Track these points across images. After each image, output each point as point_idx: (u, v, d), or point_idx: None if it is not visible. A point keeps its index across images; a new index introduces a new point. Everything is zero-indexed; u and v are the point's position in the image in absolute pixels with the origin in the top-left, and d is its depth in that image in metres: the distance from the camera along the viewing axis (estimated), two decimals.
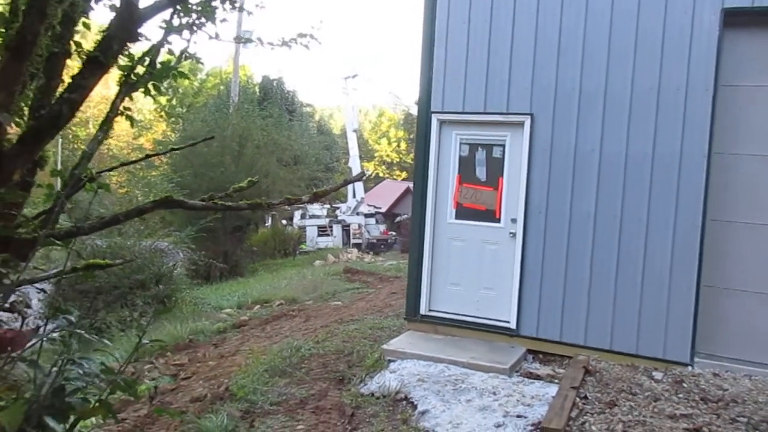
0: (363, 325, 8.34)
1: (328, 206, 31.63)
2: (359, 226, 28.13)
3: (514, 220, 6.25)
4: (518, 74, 6.13)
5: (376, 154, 72.22)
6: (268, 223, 28.52)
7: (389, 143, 75.79)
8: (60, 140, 49.98)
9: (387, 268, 18.30)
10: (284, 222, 28.66)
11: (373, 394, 5.43)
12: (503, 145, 6.31)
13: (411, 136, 72.63)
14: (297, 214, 29.04)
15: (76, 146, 57.85)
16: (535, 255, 6.11)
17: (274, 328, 9.27)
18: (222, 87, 33.19)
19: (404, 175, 68.36)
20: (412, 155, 71.42)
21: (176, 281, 11.52)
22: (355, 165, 28.88)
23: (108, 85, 57.25)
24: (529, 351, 6.15)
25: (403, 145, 75.18)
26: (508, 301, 6.28)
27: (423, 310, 6.61)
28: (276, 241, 25.37)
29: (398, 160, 74.68)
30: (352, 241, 27.65)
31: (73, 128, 58.27)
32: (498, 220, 6.35)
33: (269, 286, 14.61)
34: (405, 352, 5.93)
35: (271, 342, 7.85)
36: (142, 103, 61.36)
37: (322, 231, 28.21)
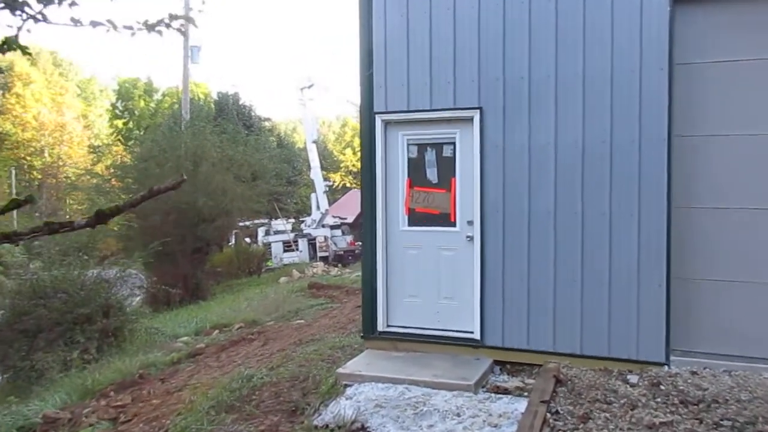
0: (323, 345, 7.82)
1: (292, 221, 31.02)
2: (325, 238, 27.57)
3: (470, 223, 5.83)
4: (463, 67, 5.72)
5: (341, 165, 71.84)
6: (232, 242, 27.77)
7: (354, 153, 75.53)
8: (14, 171, 48.45)
9: (354, 280, 17.77)
10: (248, 240, 27.94)
11: (327, 426, 4.91)
12: (453, 143, 5.89)
13: None
14: (260, 230, 28.36)
15: (31, 176, 56.18)
16: (494, 258, 5.69)
17: (230, 356, 8.68)
18: (177, 105, 32.35)
19: None
20: None
21: (126, 312, 10.80)
22: (317, 177, 28.37)
23: (62, 112, 55.24)
24: (496, 362, 5.71)
25: None
26: (470, 310, 5.84)
27: (381, 326, 6.13)
28: (240, 260, 24.66)
29: None
30: (319, 254, 27.07)
31: (28, 158, 56.69)
32: (453, 224, 5.92)
33: (229, 309, 13.97)
34: (362, 374, 5.43)
35: (223, 372, 7.28)
36: (99, 128, 59.87)
37: (288, 246, 27.58)
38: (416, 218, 6.06)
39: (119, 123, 54.19)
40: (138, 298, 17.12)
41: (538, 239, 5.54)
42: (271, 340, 9.41)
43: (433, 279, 6.01)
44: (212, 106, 37.45)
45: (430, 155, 5.98)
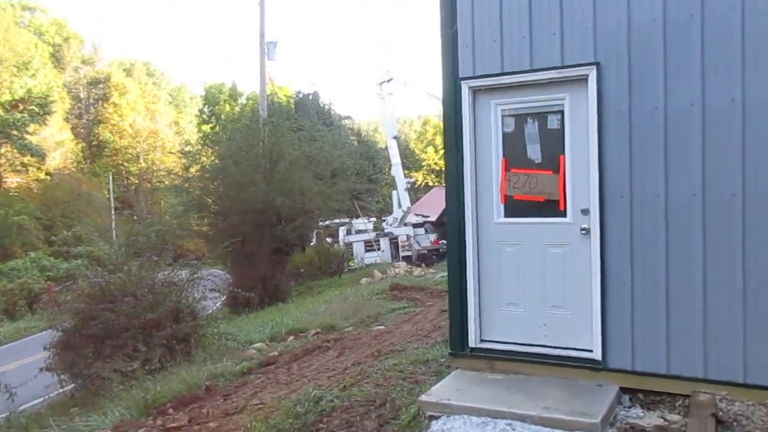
0: (404, 359, 6.77)
1: (374, 219, 30.26)
2: (407, 237, 26.59)
3: (585, 212, 4.57)
4: (573, 12, 4.48)
5: (423, 163, 70.78)
6: (313, 241, 27.33)
7: (436, 151, 74.32)
8: (111, 176, 50.74)
9: (438, 281, 16.64)
10: (329, 240, 27.39)
11: None
12: (561, 112, 4.65)
13: None
14: (341, 230, 27.75)
15: (128, 181, 58.82)
16: (619, 257, 4.41)
17: (302, 367, 7.79)
18: (256, 105, 32.37)
19: None
20: None
21: (197, 316, 10.19)
22: (397, 173, 27.41)
23: (155, 120, 57.35)
24: (624, 390, 4.43)
25: None
26: (587, 322, 4.59)
27: (472, 342, 4.98)
28: (321, 261, 24.10)
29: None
30: (401, 253, 26.13)
31: (125, 164, 59.44)
32: (563, 214, 4.68)
33: (307, 313, 13.22)
34: (451, 404, 4.32)
35: (290, 390, 6.36)
36: (189, 134, 61.94)
37: (369, 246, 26.80)
38: (515, 207, 4.86)
39: (206, 128, 55.72)
40: (218, 302, 16.81)
41: (680, 231, 4.22)
42: (347, 350, 8.46)
43: (538, 283, 4.80)
44: (292, 106, 37.34)
45: (531, 128, 4.77)
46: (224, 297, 17.52)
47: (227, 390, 7.32)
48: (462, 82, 4.89)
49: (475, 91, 4.90)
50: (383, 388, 5.65)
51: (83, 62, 61.28)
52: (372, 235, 26.93)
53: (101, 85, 58.91)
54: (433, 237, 28.45)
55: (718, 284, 4.11)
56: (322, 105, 34.43)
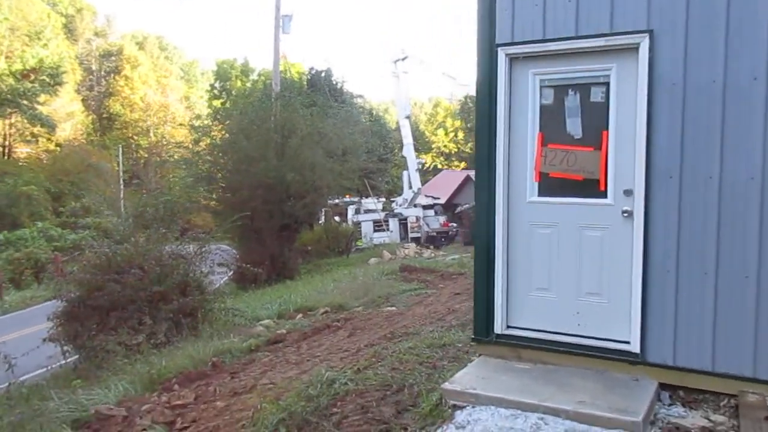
0: (419, 343, 6.49)
1: (383, 199, 29.94)
2: (417, 218, 26.28)
3: (628, 193, 4.23)
4: None
5: (433, 146, 70.25)
6: (321, 220, 27.06)
7: (446, 134, 73.72)
8: (121, 149, 50.54)
9: (448, 263, 16.36)
10: (337, 218, 27.10)
11: None
12: (606, 84, 4.29)
13: (469, 125, 70.47)
14: (350, 209, 27.45)
15: (138, 154, 58.64)
16: (664, 242, 4.08)
17: (311, 347, 7.53)
18: (269, 81, 31.92)
19: (463, 165, 66.18)
20: (470, 145, 69.27)
21: (205, 291, 9.95)
22: (409, 154, 27.02)
23: (166, 94, 56.96)
24: (663, 386, 4.12)
25: (460, 135, 72.96)
26: (625, 312, 4.27)
27: (499, 328, 4.68)
28: (329, 239, 23.85)
29: (456, 150, 72.51)
30: (410, 235, 25.84)
31: (135, 137, 59.25)
32: (603, 194, 4.34)
33: (316, 291, 12.96)
34: (477, 393, 4.02)
35: (301, 370, 6.10)
36: (199, 109, 61.69)
37: (378, 226, 26.51)
38: (550, 186, 4.52)
39: (217, 103, 55.47)
40: (225, 277, 16.58)
41: (734, 217, 3.87)
42: (358, 330, 8.20)
43: (572, 268, 4.47)
44: (305, 83, 36.86)
45: (572, 100, 4.42)
46: (231, 272, 17.32)
47: (234, 367, 7.08)
48: (499, 48, 4.53)
49: (513, 59, 4.54)
50: (399, 372, 5.37)
51: (96, 34, 60.91)
52: (381, 215, 26.62)
53: (113, 58, 58.59)
54: (442, 219, 28.14)
55: None
56: (334, 82, 33.95)
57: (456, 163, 70.61)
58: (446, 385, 4.18)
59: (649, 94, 4.05)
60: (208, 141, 19.58)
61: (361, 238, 26.24)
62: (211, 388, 6.06)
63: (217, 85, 62.68)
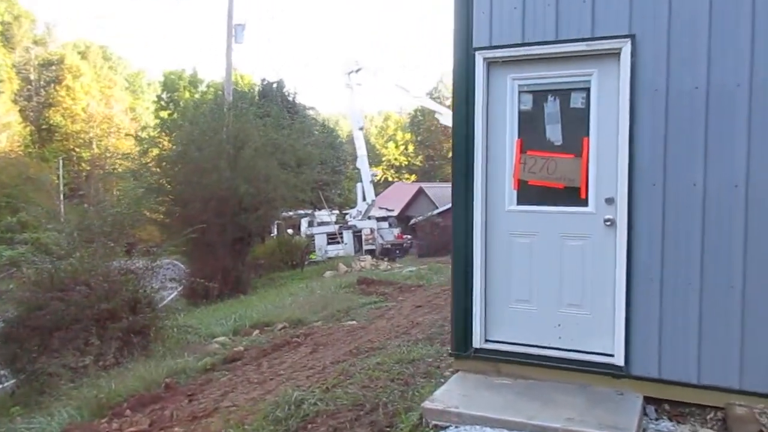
0: (387, 358, 6.26)
1: (336, 212, 29.65)
2: (371, 230, 26.09)
3: (610, 201, 4.13)
4: None
5: (383, 158, 70.44)
6: (274, 233, 26.53)
7: (396, 146, 74.08)
8: (61, 161, 48.48)
9: (406, 275, 16.19)
10: (290, 231, 26.64)
11: None
12: (587, 89, 4.19)
13: (418, 138, 71.05)
14: (304, 221, 27.03)
15: (79, 167, 56.40)
16: (648, 252, 3.98)
17: (273, 365, 7.18)
18: (220, 92, 31.26)
19: (413, 178, 66.57)
20: (420, 158, 69.38)
21: (156, 308, 9.44)
22: (363, 165, 26.83)
23: (111, 105, 55.18)
24: (648, 399, 4.01)
25: (410, 148, 73.46)
26: (607, 323, 4.15)
27: (477, 342, 4.49)
28: (282, 252, 23.37)
29: (407, 163, 72.93)
30: (365, 247, 25.62)
31: (77, 149, 56.99)
32: (584, 203, 4.23)
33: (272, 305, 12.56)
34: (460, 412, 3.81)
35: (265, 391, 5.76)
36: (146, 121, 60.09)
37: (332, 238, 26.18)
38: (529, 194, 4.39)
39: (165, 114, 54.10)
40: (174, 293, 15.93)
41: (718, 226, 3.81)
42: (321, 346, 7.89)
43: (553, 279, 4.33)
44: (256, 95, 36.31)
45: (552, 106, 4.30)
46: (181, 288, 16.67)
47: (191, 389, 6.66)
48: (476, 52, 4.38)
49: (490, 63, 4.40)
50: (370, 390, 5.12)
51: (35, 42, 58.56)
52: (335, 228, 26.31)
53: (53, 67, 56.35)
54: (396, 231, 28.05)
55: (759, 284, 3.72)
56: (286, 94, 33.56)
57: (406, 175, 71.05)
58: (427, 404, 3.96)
59: (631, 100, 3.96)
60: (157, 152, 18.92)
61: (314, 251, 25.84)
62: (167, 412, 5.66)
63: (164, 96, 61.21)
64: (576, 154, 4.23)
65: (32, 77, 56.18)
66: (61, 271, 8.86)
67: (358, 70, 26.15)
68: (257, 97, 32.79)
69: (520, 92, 4.38)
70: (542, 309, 4.38)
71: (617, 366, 4.08)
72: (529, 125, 4.38)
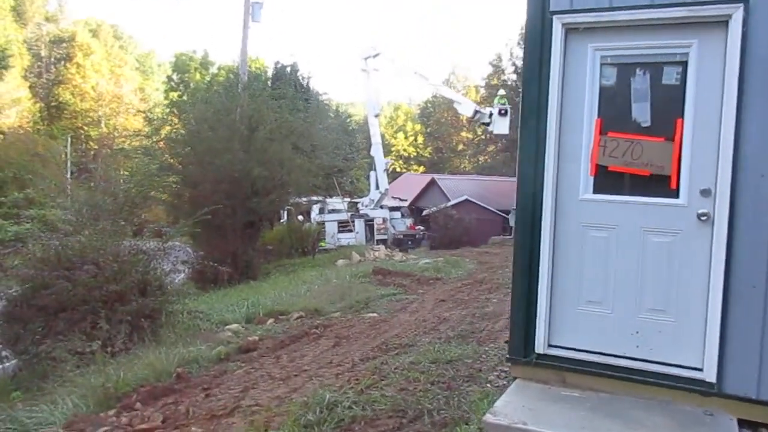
0: (421, 357, 5.77)
1: (347, 199, 29.11)
2: (384, 220, 25.54)
3: (706, 193, 3.58)
4: None
5: (392, 149, 69.82)
6: (284, 218, 26.01)
7: (406, 137, 73.38)
8: (69, 139, 48.03)
9: (423, 267, 15.67)
10: (300, 218, 26.11)
11: None
12: (683, 63, 3.64)
13: (428, 130, 70.36)
14: (315, 208, 26.49)
15: (87, 146, 55.92)
16: (752, 253, 3.44)
17: (293, 358, 6.68)
18: (232, 75, 30.65)
19: (422, 169, 65.93)
20: (429, 149, 68.76)
21: (167, 291, 8.94)
22: (377, 153, 26.24)
23: (120, 84, 54.64)
24: (741, 423, 3.48)
25: (420, 139, 72.75)
26: (696, 333, 3.62)
27: (540, 347, 3.96)
28: (292, 239, 22.86)
29: (415, 154, 72.24)
30: (376, 236, 25.09)
31: (85, 128, 56.51)
32: (675, 194, 3.69)
33: (285, 293, 12.04)
34: (529, 429, 3.29)
35: (290, 388, 5.25)
36: (155, 102, 59.61)
37: (343, 226, 25.64)
38: (609, 182, 3.85)
39: (174, 95, 53.51)
40: (181, 275, 15.45)
41: None
42: (343, 340, 7.39)
43: (632, 279, 3.80)
44: (269, 77, 35.71)
45: (640, 82, 3.75)
46: (188, 271, 16.18)
47: (205, 381, 6.16)
48: (554, 17, 3.83)
49: (569, 30, 3.84)
50: (410, 394, 4.62)
51: (46, 19, 57.98)
52: (347, 216, 25.77)
53: (64, 45, 55.74)
54: (409, 222, 27.51)
55: None
56: (300, 78, 32.93)
57: (415, 167, 70.49)
58: (489, 418, 3.44)
59: (740, 76, 3.41)
60: (169, 129, 18.37)
61: (324, 239, 25.31)
62: (182, 407, 5.15)
63: (174, 77, 60.59)
64: (667, 137, 3.68)
65: (43, 54, 55.65)
66: (69, 248, 8.35)
67: (375, 55, 25.49)
68: (270, 80, 32.19)
69: (602, 65, 3.83)
70: (618, 313, 3.84)
71: (707, 382, 3.55)
72: (612, 103, 3.83)
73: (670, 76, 3.67)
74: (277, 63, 34.19)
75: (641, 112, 3.74)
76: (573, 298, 3.95)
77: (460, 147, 67.42)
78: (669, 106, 3.67)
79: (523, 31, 3.97)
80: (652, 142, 3.71)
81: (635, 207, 3.78)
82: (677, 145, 3.64)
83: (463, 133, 66.08)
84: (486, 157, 58.19)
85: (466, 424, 3.73)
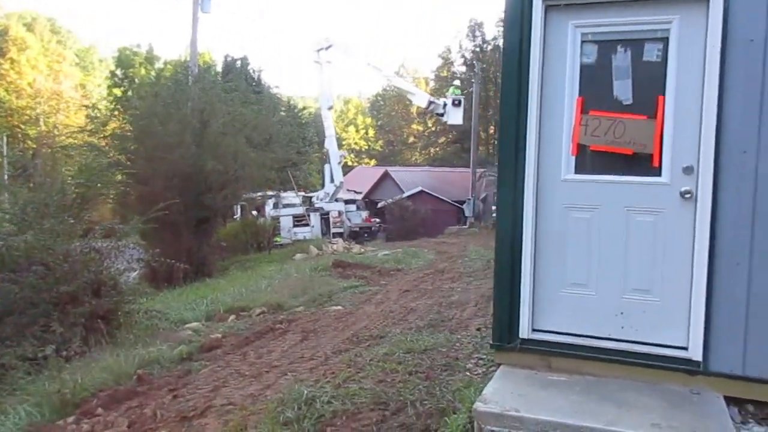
0: (395, 347, 5.66)
1: (302, 193, 28.77)
2: (339, 213, 25.32)
3: (688, 170, 3.56)
4: None
5: (344, 142, 69.54)
6: (237, 214, 25.49)
7: (357, 131, 73.18)
8: (5, 138, 45.73)
9: (383, 259, 15.58)
10: (255, 213, 25.63)
11: None
12: (664, 40, 3.60)
13: (379, 123, 70.33)
14: (269, 202, 26.05)
15: (25, 145, 53.41)
16: (735, 230, 3.44)
17: (260, 354, 6.46)
18: (179, 70, 29.73)
19: (373, 162, 65.88)
20: (380, 142, 68.77)
21: (123, 290, 8.54)
22: (331, 146, 25.99)
23: (59, 80, 52.51)
24: (728, 400, 3.48)
25: (371, 132, 72.68)
26: (681, 312, 3.60)
27: (524, 332, 3.88)
28: (248, 234, 22.41)
29: (367, 147, 72.14)
30: (333, 230, 24.87)
31: (22, 126, 53.97)
32: (657, 172, 3.65)
33: (245, 289, 11.73)
34: (521, 416, 3.20)
35: (262, 385, 5.04)
36: (97, 98, 57.44)
37: (299, 221, 25.30)
38: (591, 161, 3.79)
39: (118, 91, 51.74)
40: (134, 274, 14.89)
41: None
42: (311, 334, 7.20)
43: (616, 259, 3.76)
44: (219, 71, 34.92)
45: (622, 59, 3.69)
46: (141, 270, 15.61)
47: (168, 381, 5.88)
48: None
49: (549, 7, 3.76)
50: (389, 385, 4.49)
51: None
52: (302, 210, 25.44)
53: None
54: (364, 214, 27.38)
55: None
56: (251, 71, 32.26)
57: (366, 160, 70.43)
58: (479, 406, 3.33)
59: (722, 52, 3.39)
60: (116, 125, 17.64)
61: (279, 234, 24.93)
62: (148, 410, 4.87)
63: (118, 72, 58.54)
64: (649, 115, 3.64)
65: None
66: (13, 249, 7.86)
67: (328, 47, 25.19)
68: (220, 75, 31.44)
69: (583, 42, 3.76)
70: (602, 294, 3.80)
71: (693, 361, 3.54)
72: (593, 81, 3.76)
73: (651, 53, 3.63)
74: (227, 56, 33.43)
75: (623, 90, 3.69)
76: (556, 281, 3.88)
77: (411, 139, 67.68)
78: (651, 84, 3.63)
79: (503, 10, 3.86)
80: (634, 120, 3.66)
81: (618, 186, 3.74)
82: (659, 123, 3.61)
83: (414, 126, 66.39)
84: (437, 149, 58.61)
85: (454, 413, 3.62)
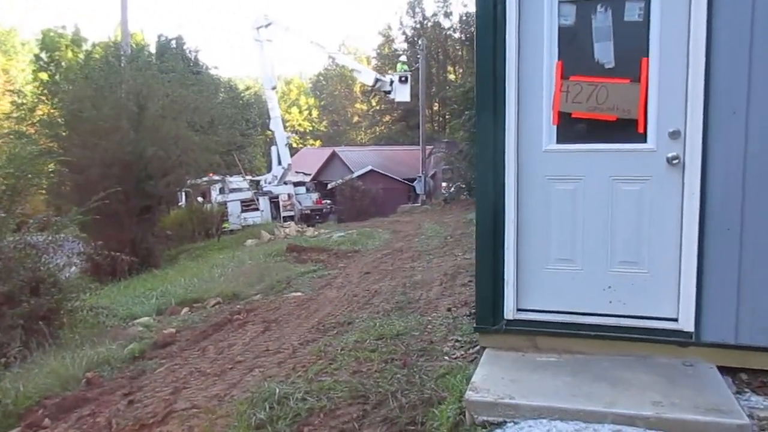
0: (365, 334, 5.41)
1: (249, 177, 28.02)
2: (289, 196, 24.78)
3: (675, 135, 3.39)
4: None
5: (287, 124, 68.33)
6: (182, 201, 24.59)
7: (300, 112, 71.99)
8: None
9: (338, 241, 15.26)
10: (200, 199, 24.79)
11: None
12: None
13: (322, 103, 69.41)
14: (216, 188, 25.23)
15: None
16: (725, 195, 3.30)
17: (220, 349, 6.08)
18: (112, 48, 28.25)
19: (319, 143, 65.08)
20: (324, 123, 68.00)
21: (64, 287, 7.97)
22: (277, 127, 25.31)
23: None
24: (721, 370, 3.37)
25: (314, 113, 71.66)
26: (671, 283, 3.47)
27: (509, 313, 3.68)
28: (194, 222, 21.64)
29: (311, 128, 71.14)
30: (283, 213, 24.34)
31: None
32: (642, 138, 3.48)
33: (197, 279, 11.24)
34: (516, 403, 3.00)
35: (227, 384, 4.70)
36: (21, 84, 54.38)
37: (247, 206, 24.62)
38: (573, 130, 3.59)
39: (44, 76, 49.05)
40: (74, 268, 14.11)
41: None
42: (273, 324, 6.86)
43: (602, 232, 3.58)
44: (152, 52, 33.45)
45: (602, 20, 3.48)
46: (81, 264, 14.81)
47: (122, 384, 5.46)
48: None
49: None
50: (365, 376, 4.24)
51: None
52: (251, 194, 24.76)
53: None
54: (315, 196, 26.91)
55: None
56: (187, 51, 31.02)
57: (311, 141, 69.56)
58: (471, 396, 3.11)
59: (709, 8, 3.21)
60: (45, 111, 16.57)
61: (227, 220, 24.22)
62: (102, 419, 4.46)
63: (43, 56, 55.47)
64: (632, 78, 3.45)
65: None
66: None
67: (268, 25, 24.40)
68: (154, 56, 30.10)
69: (560, 2, 3.53)
70: (588, 269, 3.62)
71: (685, 332, 3.42)
72: (572, 45, 3.54)
73: (632, 12, 3.43)
74: (160, 36, 32.01)
75: (604, 53, 3.49)
76: (541, 257, 3.68)
77: (356, 119, 67.15)
78: (633, 45, 3.44)
79: None
80: (617, 85, 3.46)
81: (602, 155, 3.55)
82: (644, 86, 3.42)
83: (358, 105, 65.84)
84: (383, 128, 58.28)
85: (440, 403, 3.39)
